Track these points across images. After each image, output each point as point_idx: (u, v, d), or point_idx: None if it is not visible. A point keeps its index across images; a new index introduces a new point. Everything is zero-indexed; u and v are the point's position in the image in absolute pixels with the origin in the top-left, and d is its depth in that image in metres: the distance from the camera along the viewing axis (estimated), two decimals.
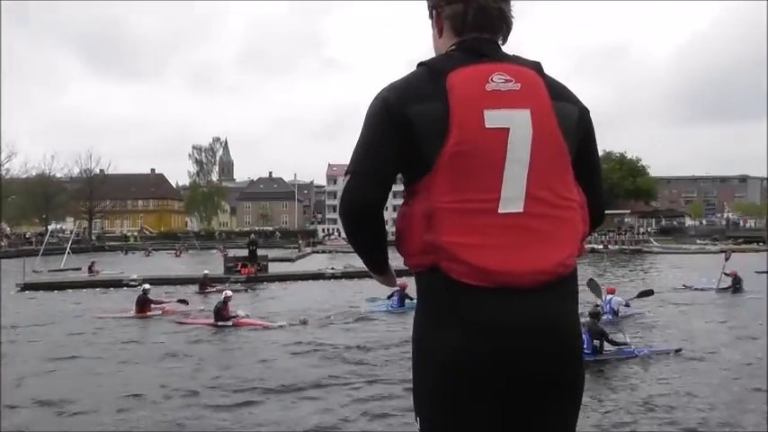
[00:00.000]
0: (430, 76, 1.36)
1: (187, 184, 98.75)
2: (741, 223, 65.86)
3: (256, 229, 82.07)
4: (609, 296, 13.23)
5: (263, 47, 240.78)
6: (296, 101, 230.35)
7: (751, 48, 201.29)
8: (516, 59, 1.43)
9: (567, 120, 1.39)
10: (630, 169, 70.70)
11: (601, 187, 1.54)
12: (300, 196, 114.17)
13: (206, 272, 22.34)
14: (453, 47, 1.44)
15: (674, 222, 76.19)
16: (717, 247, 48.74)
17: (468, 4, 1.41)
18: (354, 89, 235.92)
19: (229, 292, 14.54)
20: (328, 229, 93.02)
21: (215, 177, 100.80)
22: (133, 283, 21.94)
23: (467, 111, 1.30)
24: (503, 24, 1.45)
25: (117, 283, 22.89)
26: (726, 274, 18.65)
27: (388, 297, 15.70)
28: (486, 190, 1.29)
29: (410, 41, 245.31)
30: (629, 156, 72.87)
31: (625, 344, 9.81)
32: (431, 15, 1.51)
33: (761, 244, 48.39)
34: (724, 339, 11.43)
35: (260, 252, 27.04)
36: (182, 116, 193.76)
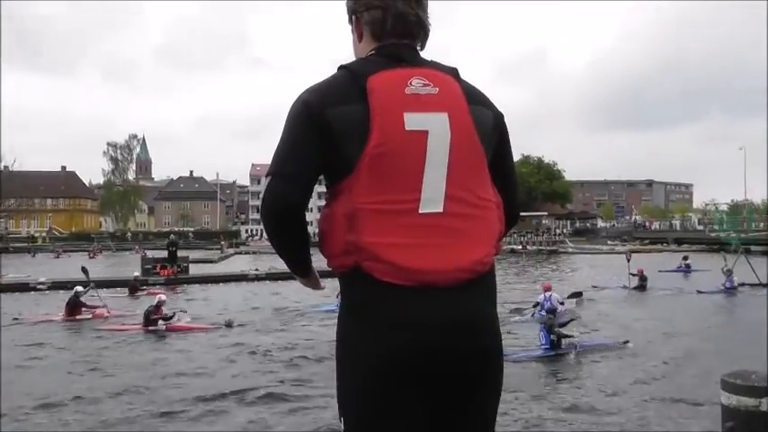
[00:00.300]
0: (350, 79, 1.38)
1: (101, 182, 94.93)
2: (647, 225, 69.70)
3: (176, 229, 79.59)
4: (548, 293, 13.77)
5: (185, 42, 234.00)
6: (219, 99, 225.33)
7: (657, 62, 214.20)
8: (434, 65, 1.47)
9: (483, 124, 1.43)
10: (547, 173, 73.55)
11: (515, 189, 1.59)
12: (223, 196, 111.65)
13: (136, 274, 21.64)
14: (373, 51, 1.46)
15: (588, 224, 79.85)
16: (625, 247, 51.42)
17: (386, 10, 1.43)
18: (280, 89, 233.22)
19: (163, 297, 13.93)
20: (252, 230, 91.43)
21: (131, 176, 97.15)
22: (41, 286, 20.79)
23: (387, 113, 1.32)
24: (420, 30, 1.48)
25: (23, 287, 21.57)
26: (632, 274, 19.84)
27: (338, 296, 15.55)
28: (406, 191, 1.32)
29: (336, 42, 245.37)
30: (546, 160, 75.80)
31: (572, 337, 10.33)
32: (350, 20, 1.53)
33: (665, 245, 51.61)
34: (653, 334, 12.02)
35: (181, 253, 26.28)
36: (96, 112, 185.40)
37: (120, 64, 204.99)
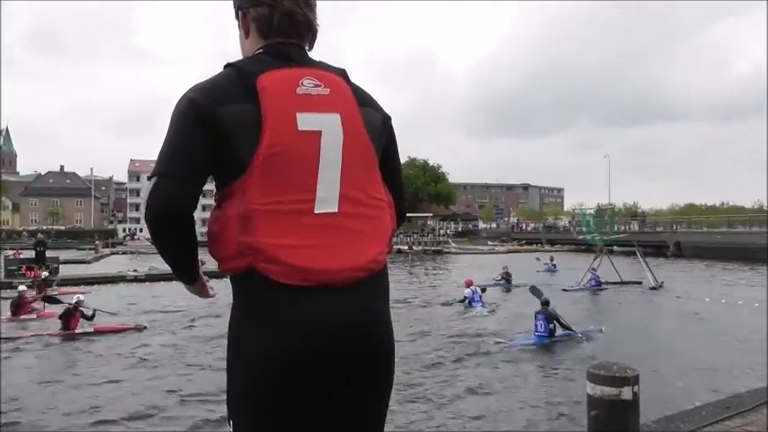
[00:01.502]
0: (239, 78, 1.34)
1: None
2: (524, 226, 73.71)
3: (44, 228, 73.63)
4: (472, 287, 15.65)
5: (57, 27, 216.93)
6: (96, 90, 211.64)
7: (534, 72, 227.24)
8: (323, 65, 1.46)
9: (373, 125, 1.45)
10: (432, 175, 75.68)
11: (402, 189, 1.61)
12: (98, 193, 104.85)
13: (44, 274, 19.93)
14: (261, 50, 1.44)
15: (470, 225, 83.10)
16: (504, 247, 54.25)
17: (273, 8, 1.42)
18: (164, 82, 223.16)
19: (81, 296, 12.78)
20: (130, 229, 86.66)
21: None
22: None
23: (279, 113, 1.30)
24: (308, 31, 1.48)
25: None
26: (501, 277, 21.19)
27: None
28: (301, 191, 1.31)
29: (223, 36, 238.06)
30: (431, 162, 77.99)
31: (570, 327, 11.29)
32: (237, 16, 1.50)
33: (539, 245, 54.89)
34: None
35: (50, 254, 24.38)
36: None
37: None
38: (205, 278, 1.54)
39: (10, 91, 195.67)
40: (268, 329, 1.29)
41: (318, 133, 1.33)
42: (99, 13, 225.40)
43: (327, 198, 1.33)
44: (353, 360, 1.33)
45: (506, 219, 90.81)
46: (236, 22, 1.51)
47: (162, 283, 22.33)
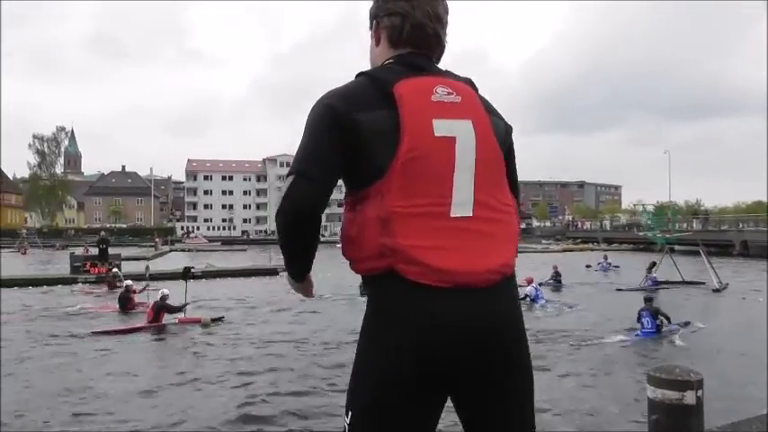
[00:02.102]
0: (374, 86, 1.40)
1: (27, 176, 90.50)
2: (579, 225, 72.17)
3: (107, 226, 76.73)
4: (533, 284, 15.85)
5: (117, 31, 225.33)
6: (154, 91, 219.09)
7: (588, 66, 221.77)
8: (451, 74, 1.51)
9: (499, 133, 1.50)
10: None
11: (518, 197, 1.64)
12: (157, 192, 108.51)
13: (115, 270, 21.01)
14: (391, 60, 1.50)
15: (523, 223, 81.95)
16: (559, 246, 53.26)
17: (405, 18, 1.47)
18: (218, 83, 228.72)
19: (166, 291, 13.19)
20: (188, 227, 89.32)
21: (59, 170, 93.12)
22: None
23: (417, 119, 1.35)
24: (437, 45, 1.53)
25: None
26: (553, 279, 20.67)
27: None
28: (438, 195, 1.35)
29: (275, 37, 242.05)
30: None
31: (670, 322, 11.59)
32: (371, 26, 1.56)
33: (595, 244, 53.57)
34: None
35: (112, 251, 25.33)
36: (21, 101, 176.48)
37: (47, 53, 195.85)
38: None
39: (74, 93, 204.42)
40: (403, 327, 1.32)
41: (453, 139, 1.38)
42: (155, 16, 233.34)
43: (462, 202, 1.38)
44: (486, 362, 1.36)
45: (561, 217, 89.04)
46: (369, 32, 1.58)
47: (218, 279, 22.94)
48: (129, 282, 15.15)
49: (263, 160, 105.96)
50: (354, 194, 1.42)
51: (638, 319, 11.39)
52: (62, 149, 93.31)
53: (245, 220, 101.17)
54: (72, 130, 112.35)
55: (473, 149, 1.40)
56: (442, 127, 1.37)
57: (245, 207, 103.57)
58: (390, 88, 1.37)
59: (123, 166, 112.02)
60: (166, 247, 52.62)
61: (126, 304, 14.32)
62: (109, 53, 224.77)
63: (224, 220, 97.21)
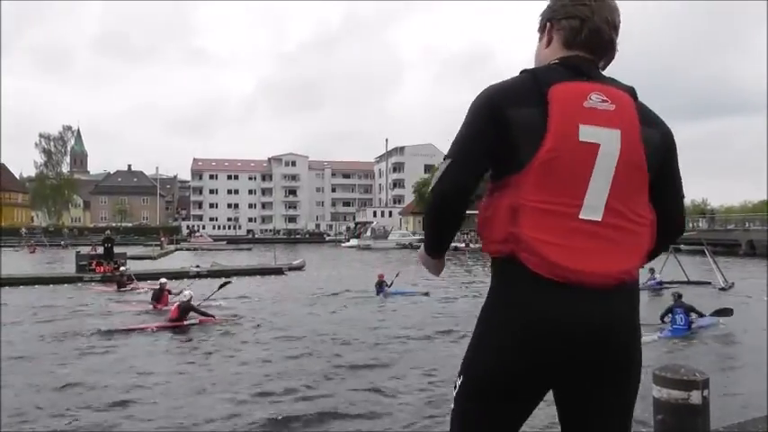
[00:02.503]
0: (533, 84, 1.47)
1: (33, 175, 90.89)
2: None
3: (113, 225, 76.91)
4: None
5: (124, 30, 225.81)
6: (159, 91, 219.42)
7: None
8: (613, 82, 1.55)
9: (651, 144, 1.51)
10: None
11: (680, 200, 1.66)
12: (163, 191, 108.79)
13: (123, 268, 21.32)
14: (556, 61, 1.56)
15: None
16: None
17: (584, 22, 1.53)
18: (223, 82, 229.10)
19: (190, 292, 13.61)
20: (193, 226, 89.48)
21: (66, 169, 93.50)
22: None
23: (564, 122, 1.42)
24: (609, 50, 1.58)
25: None
26: None
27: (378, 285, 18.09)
28: (570, 196, 1.42)
29: (281, 36, 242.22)
30: None
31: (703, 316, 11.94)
32: (542, 27, 1.63)
33: None
34: None
35: (118, 249, 25.42)
36: (28, 101, 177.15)
37: (53, 52, 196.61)
38: None
39: (80, 92, 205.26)
40: (516, 312, 1.43)
41: (597, 145, 1.43)
42: (162, 16, 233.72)
43: (593, 206, 1.43)
44: (592, 358, 1.42)
45: None
46: (538, 33, 1.65)
47: (223, 278, 22.90)
48: (163, 280, 15.69)
49: (269, 159, 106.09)
50: (495, 182, 1.51)
51: (670, 316, 11.63)
52: (68, 148, 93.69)
53: (250, 219, 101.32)
54: (78, 129, 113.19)
55: (615, 158, 1.44)
56: (587, 133, 1.42)
57: (250, 206, 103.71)
58: (546, 89, 1.45)
59: (129, 165, 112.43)
60: (172, 247, 52.79)
61: (159, 300, 14.81)
62: (116, 52, 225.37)
63: (229, 219, 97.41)
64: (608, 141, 1.43)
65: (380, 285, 18.18)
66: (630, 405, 1.53)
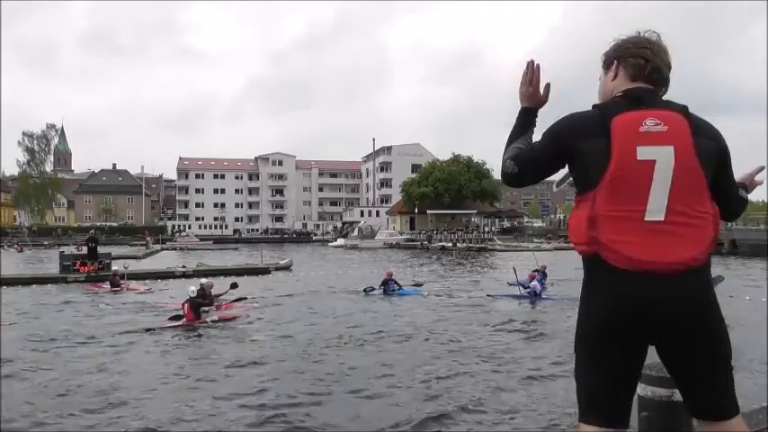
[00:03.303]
0: (599, 117, 1.85)
1: (16, 174, 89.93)
2: None
3: (97, 224, 76.29)
4: (535, 280, 17.13)
5: (110, 27, 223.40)
6: (145, 89, 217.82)
7: (581, 66, 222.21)
8: (667, 104, 1.90)
9: (705, 153, 1.84)
10: (477, 172, 74.86)
11: (735, 194, 2.05)
12: (148, 190, 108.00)
13: (116, 268, 21.19)
14: (620, 93, 1.93)
15: (515, 222, 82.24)
16: (551, 244, 53.44)
17: (647, 61, 1.94)
18: (211, 81, 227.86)
19: (204, 280, 13.76)
20: (179, 226, 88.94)
21: (49, 168, 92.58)
22: None
23: (624, 147, 1.79)
24: (665, 83, 1.98)
25: None
26: (535, 270, 20.54)
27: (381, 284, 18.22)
28: (635, 203, 1.79)
29: (271, 36, 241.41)
30: (475, 159, 77.20)
31: None
32: (608, 64, 2.01)
33: None
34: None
35: (102, 249, 25.21)
36: (10, 99, 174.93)
37: (38, 48, 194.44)
38: None
39: (64, 91, 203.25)
40: (602, 295, 1.84)
41: (653, 162, 1.78)
42: (150, 13, 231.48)
43: (655, 209, 1.78)
44: (669, 326, 1.79)
45: (553, 216, 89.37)
46: (602, 70, 2.05)
47: (209, 278, 22.78)
48: (204, 280, 15.33)
49: (256, 159, 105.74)
50: (579, 196, 1.90)
51: None
52: (52, 147, 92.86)
53: (236, 219, 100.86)
54: (62, 128, 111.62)
55: (670, 169, 1.78)
56: (644, 152, 1.78)
57: (237, 206, 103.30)
58: (609, 121, 1.82)
59: (114, 164, 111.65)
60: (157, 246, 52.44)
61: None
62: (101, 50, 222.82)
63: (216, 219, 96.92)
64: (662, 157, 1.78)
65: (387, 283, 18.21)
66: (715, 356, 1.90)
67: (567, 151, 1.88)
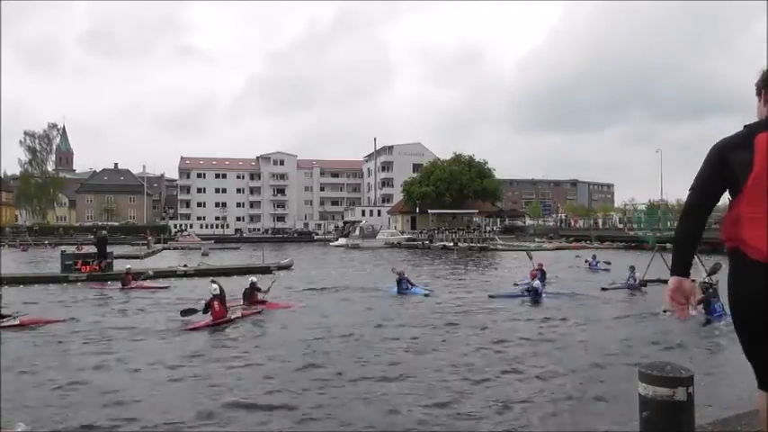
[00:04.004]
0: (747, 135, 2.23)
1: (18, 173, 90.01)
2: (572, 223, 72.32)
3: (99, 223, 76.35)
4: (537, 280, 17.10)
5: (111, 27, 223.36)
6: (147, 88, 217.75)
7: (584, 65, 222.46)
8: None
9: None
10: (478, 171, 74.79)
11: None
12: (150, 190, 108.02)
13: (128, 266, 21.48)
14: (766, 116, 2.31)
15: (517, 222, 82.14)
16: (552, 244, 53.38)
17: None
18: (212, 81, 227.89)
19: (254, 278, 15.11)
20: (181, 225, 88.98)
21: (51, 167, 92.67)
22: None
23: (763, 159, 2.14)
24: None
25: None
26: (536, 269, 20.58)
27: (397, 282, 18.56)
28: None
29: (272, 36, 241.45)
30: (477, 158, 77.13)
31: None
32: (758, 92, 2.39)
33: (588, 242, 53.77)
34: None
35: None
36: (12, 98, 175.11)
37: (40, 48, 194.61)
38: None
39: (66, 89, 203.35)
40: (742, 282, 2.24)
41: None
42: (151, 12, 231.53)
43: None
44: None
45: (554, 215, 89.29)
46: (757, 97, 2.40)
47: (211, 277, 22.80)
48: (254, 278, 15.87)
49: (257, 158, 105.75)
50: (730, 201, 2.28)
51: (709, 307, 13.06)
52: (54, 146, 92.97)
53: (238, 219, 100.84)
54: (64, 127, 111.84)
55: None
56: None
57: (238, 205, 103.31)
58: (753, 138, 2.20)
59: (116, 164, 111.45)
60: (159, 246, 52.49)
61: (250, 299, 15.08)
62: (102, 49, 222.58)
63: (217, 219, 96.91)
64: None
65: (400, 283, 18.36)
66: None
67: (721, 162, 2.26)
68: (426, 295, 17.86)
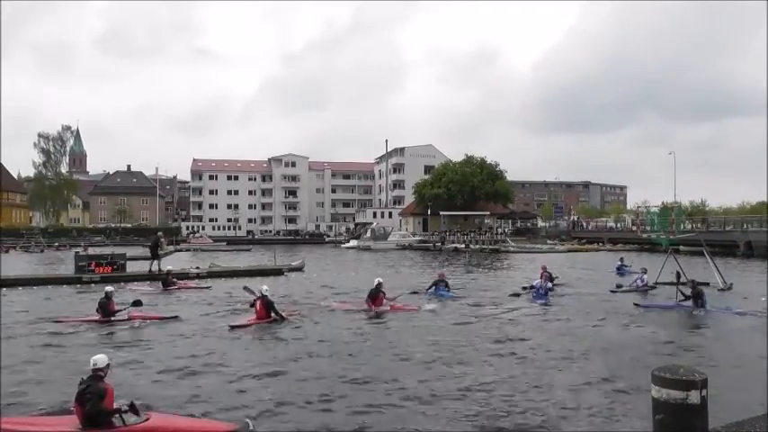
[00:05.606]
0: None
1: (32, 175, 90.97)
2: (584, 225, 71.89)
3: (112, 225, 77.03)
4: (540, 279, 17.79)
5: (125, 28, 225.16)
6: (160, 90, 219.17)
7: (598, 67, 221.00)
8: None
9: None
10: (490, 173, 74.52)
11: None
12: (162, 192, 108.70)
13: (170, 267, 22.06)
14: None
15: (528, 223, 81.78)
16: (564, 246, 53.10)
17: None
18: (226, 82, 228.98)
19: (380, 279, 15.41)
20: (193, 227, 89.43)
21: (64, 169, 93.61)
22: None
23: None
24: None
25: None
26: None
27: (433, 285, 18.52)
28: None
29: (287, 37, 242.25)
30: (488, 160, 76.87)
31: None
32: None
33: (600, 244, 53.43)
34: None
35: (117, 250, 25.48)
36: (27, 99, 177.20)
37: (55, 50, 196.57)
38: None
39: (80, 93, 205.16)
40: None
41: None
42: (166, 14, 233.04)
43: None
44: None
45: (566, 217, 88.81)
46: None
47: (222, 279, 22.95)
48: (379, 279, 15.94)
49: (269, 160, 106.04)
50: None
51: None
52: (67, 148, 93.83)
53: (250, 220, 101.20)
54: (77, 129, 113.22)
55: None
56: None
57: (250, 207, 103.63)
58: None
59: (128, 166, 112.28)
60: (171, 247, 52.76)
61: (374, 300, 15.18)
62: (117, 51, 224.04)
63: (229, 220, 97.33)
64: None
65: (437, 285, 18.39)
66: None
67: None
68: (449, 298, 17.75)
